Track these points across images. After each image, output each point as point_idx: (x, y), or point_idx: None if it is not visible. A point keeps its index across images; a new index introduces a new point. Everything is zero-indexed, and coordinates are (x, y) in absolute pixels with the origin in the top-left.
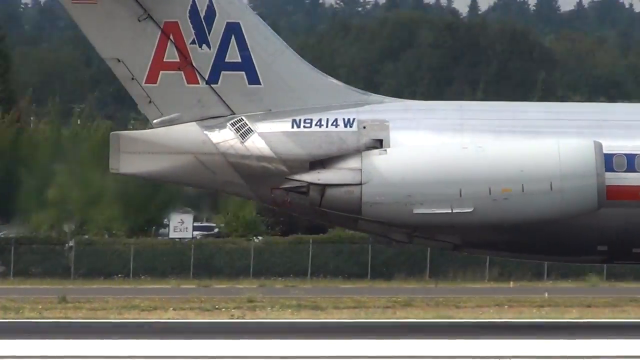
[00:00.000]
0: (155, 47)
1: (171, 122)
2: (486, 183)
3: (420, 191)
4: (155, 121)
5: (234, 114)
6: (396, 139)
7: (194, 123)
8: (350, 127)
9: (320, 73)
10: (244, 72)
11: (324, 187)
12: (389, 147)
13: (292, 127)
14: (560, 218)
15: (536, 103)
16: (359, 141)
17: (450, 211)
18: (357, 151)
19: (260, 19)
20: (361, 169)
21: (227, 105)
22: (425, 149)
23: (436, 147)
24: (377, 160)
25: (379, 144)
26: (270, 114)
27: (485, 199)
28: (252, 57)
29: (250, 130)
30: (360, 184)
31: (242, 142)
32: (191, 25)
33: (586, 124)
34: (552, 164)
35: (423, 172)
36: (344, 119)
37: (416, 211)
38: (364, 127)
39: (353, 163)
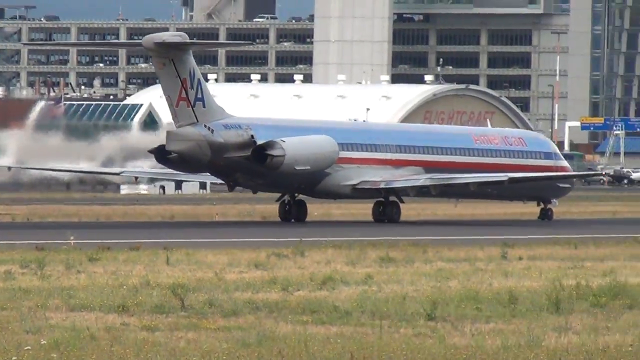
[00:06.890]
0: (179, 89)
1: (181, 126)
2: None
3: (302, 159)
4: (177, 125)
5: (198, 121)
6: (261, 135)
7: (189, 126)
8: (241, 129)
9: (217, 104)
10: (201, 102)
11: (273, 157)
12: (258, 140)
13: (226, 129)
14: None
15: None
16: (247, 136)
17: (309, 168)
18: (251, 141)
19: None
20: (284, 148)
21: (196, 117)
22: (301, 140)
23: (309, 138)
24: (285, 144)
25: (252, 137)
26: (213, 123)
27: (320, 161)
28: (204, 94)
29: (213, 130)
30: (284, 155)
31: (212, 135)
32: (189, 80)
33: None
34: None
35: (303, 150)
36: (239, 125)
37: (297, 168)
38: (249, 128)
39: (281, 145)
